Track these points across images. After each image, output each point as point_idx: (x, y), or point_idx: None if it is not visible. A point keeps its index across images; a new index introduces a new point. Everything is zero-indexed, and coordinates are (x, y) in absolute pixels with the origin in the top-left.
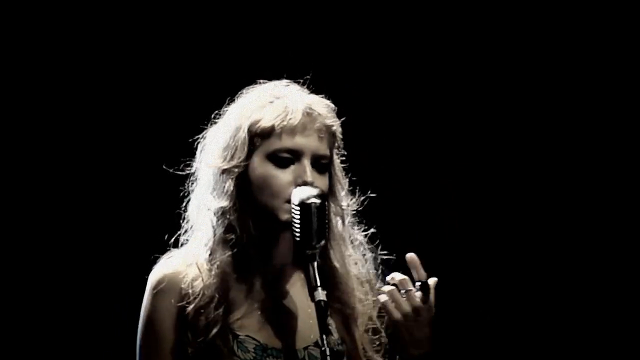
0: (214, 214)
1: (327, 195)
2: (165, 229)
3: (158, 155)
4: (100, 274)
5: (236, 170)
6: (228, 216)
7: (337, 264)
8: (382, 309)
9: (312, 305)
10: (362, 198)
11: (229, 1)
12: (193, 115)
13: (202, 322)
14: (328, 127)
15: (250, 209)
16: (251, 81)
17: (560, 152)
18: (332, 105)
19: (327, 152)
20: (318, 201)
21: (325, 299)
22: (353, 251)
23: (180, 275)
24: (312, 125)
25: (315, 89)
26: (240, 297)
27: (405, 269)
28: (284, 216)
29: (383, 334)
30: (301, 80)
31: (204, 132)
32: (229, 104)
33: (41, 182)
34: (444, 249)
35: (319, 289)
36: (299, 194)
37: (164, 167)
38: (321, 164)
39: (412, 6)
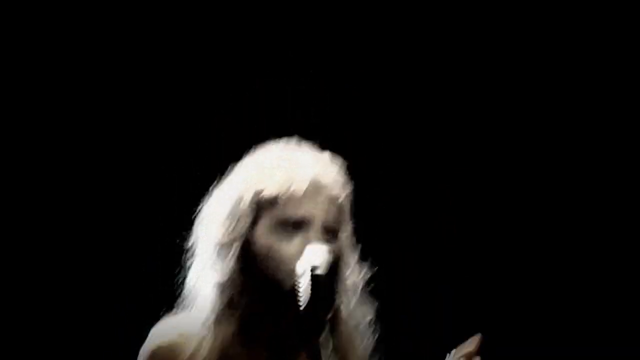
0: (216, 287)
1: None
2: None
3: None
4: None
5: (239, 241)
6: (230, 289)
7: (345, 344)
8: None
9: None
10: (371, 273)
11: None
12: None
13: None
14: (336, 196)
15: (253, 282)
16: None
17: (560, 157)
18: (343, 167)
19: (336, 221)
20: (327, 268)
21: None
22: (358, 333)
23: (178, 348)
24: (319, 194)
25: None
26: None
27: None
28: (288, 287)
29: None
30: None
31: (202, 202)
32: (230, 172)
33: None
34: (442, 254)
35: None
36: (307, 260)
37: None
38: (329, 235)
39: (407, 24)
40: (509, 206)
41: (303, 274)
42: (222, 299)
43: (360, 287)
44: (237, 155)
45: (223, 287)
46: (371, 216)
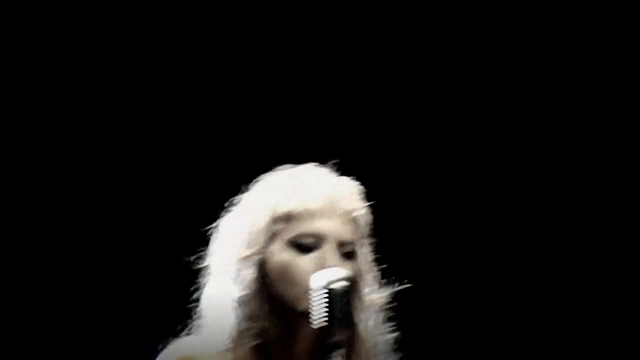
0: (234, 303)
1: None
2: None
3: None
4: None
5: (255, 258)
6: (247, 306)
7: None
8: None
9: None
10: (394, 292)
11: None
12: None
13: None
14: (353, 212)
15: (270, 299)
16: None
17: (567, 162)
18: (360, 189)
19: (353, 238)
20: (341, 286)
21: None
22: (377, 353)
23: None
24: (335, 209)
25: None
26: None
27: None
28: (304, 306)
29: None
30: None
31: (217, 222)
32: (243, 192)
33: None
34: (449, 260)
35: None
36: (319, 279)
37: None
38: (346, 251)
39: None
40: (515, 212)
41: (317, 290)
42: (240, 313)
43: (380, 306)
44: (236, 155)
45: (242, 302)
46: (376, 222)
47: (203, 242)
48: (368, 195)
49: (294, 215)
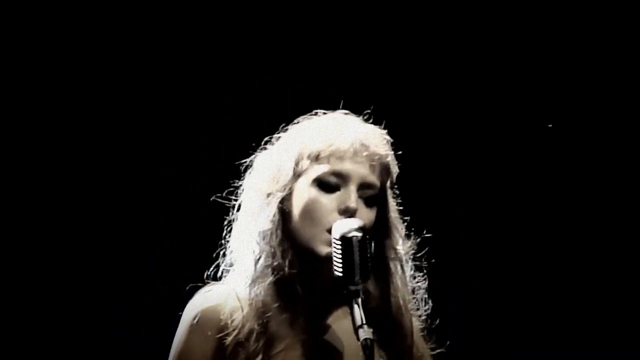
0: (256, 238)
1: (384, 239)
2: (206, 259)
3: (207, 182)
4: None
5: (280, 194)
6: (270, 241)
7: (397, 315)
8: None
9: (357, 343)
10: (418, 240)
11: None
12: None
13: (242, 357)
14: (380, 158)
15: (292, 236)
16: (305, 109)
17: (570, 163)
18: (388, 138)
19: (376, 182)
20: (359, 234)
21: (371, 337)
22: (412, 300)
23: (219, 308)
24: (362, 152)
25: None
26: (281, 330)
27: None
28: (324, 250)
29: None
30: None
31: (251, 158)
32: (281, 131)
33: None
34: (449, 260)
35: (365, 326)
36: (339, 228)
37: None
38: (369, 195)
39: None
40: (515, 212)
41: (339, 237)
42: (263, 249)
43: (408, 257)
44: (237, 154)
45: (264, 237)
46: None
47: (237, 176)
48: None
49: (321, 155)
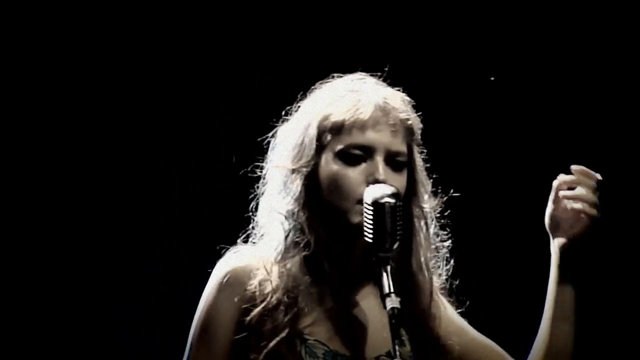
0: (284, 215)
1: (410, 197)
2: (232, 232)
3: (230, 156)
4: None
5: (305, 169)
6: (297, 218)
7: (418, 272)
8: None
9: (386, 314)
10: (446, 199)
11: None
12: (265, 113)
13: (268, 327)
14: (403, 122)
15: (320, 211)
16: (323, 75)
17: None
18: (408, 99)
19: (403, 149)
20: (392, 200)
21: (398, 306)
22: (434, 258)
23: (250, 272)
24: (385, 119)
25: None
26: (309, 303)
27: None
28: (356, 219)
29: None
30: (378, 74)
31: (274, 130)
32: (301, 99)
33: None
34: (474, 219)
35: (393, 295)
36: (371, 193)
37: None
38: (396, 162)
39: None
40: (515, 210)
41: (369, 204)
42: (291, 225)
43: (434, 217)
44: (237, 155)
45: (291, 214)
46: None
47: (261, 151)
48: None
49: (342, 128)
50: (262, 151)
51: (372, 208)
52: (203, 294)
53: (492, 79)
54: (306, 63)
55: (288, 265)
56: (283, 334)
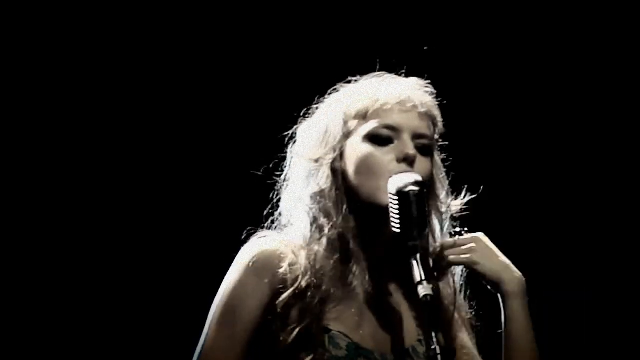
0: (310, 200)
1: (428, 185)
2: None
3: (249, 153)
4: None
5: (331, 156)
6: (324, 202)
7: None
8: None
9: (413, 304)
10: (465, 200)
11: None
12: (281, 113)
13: (296, 311)
14: (427, 105)
15: (347, 195)
16: (342, 78)
17: (566, 162)
18: (431, 88)
19: (428, 132)
20: (416, 188)
21: (431, 293)
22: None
23: (280, 255)
24: (409, 103)
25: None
26: (338, 288)
27: None
28: (382, 198)
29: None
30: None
31: (295, 127)
32: (318, 102)
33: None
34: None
35: (424, 282)
36: (395, 183)
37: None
38: (422, 145)
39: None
40: (514, 208)
41: (395, 192)
42: (318, 210)
43: (454, 210)
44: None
45: (318, 197)
46: None
47: (280, 149)
48: None
49: (369, 112)
50: (282, 148)
51: (397, 198)
52: (226, 277)
53: (425, 48)
54: (323, 65)
55: (315, 249)
56: (309, 320)
